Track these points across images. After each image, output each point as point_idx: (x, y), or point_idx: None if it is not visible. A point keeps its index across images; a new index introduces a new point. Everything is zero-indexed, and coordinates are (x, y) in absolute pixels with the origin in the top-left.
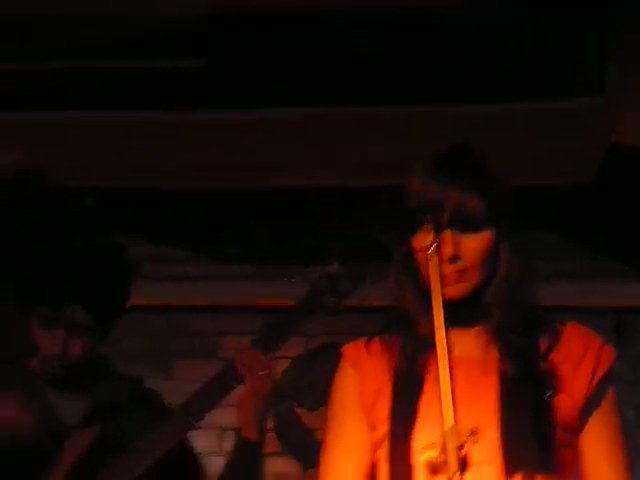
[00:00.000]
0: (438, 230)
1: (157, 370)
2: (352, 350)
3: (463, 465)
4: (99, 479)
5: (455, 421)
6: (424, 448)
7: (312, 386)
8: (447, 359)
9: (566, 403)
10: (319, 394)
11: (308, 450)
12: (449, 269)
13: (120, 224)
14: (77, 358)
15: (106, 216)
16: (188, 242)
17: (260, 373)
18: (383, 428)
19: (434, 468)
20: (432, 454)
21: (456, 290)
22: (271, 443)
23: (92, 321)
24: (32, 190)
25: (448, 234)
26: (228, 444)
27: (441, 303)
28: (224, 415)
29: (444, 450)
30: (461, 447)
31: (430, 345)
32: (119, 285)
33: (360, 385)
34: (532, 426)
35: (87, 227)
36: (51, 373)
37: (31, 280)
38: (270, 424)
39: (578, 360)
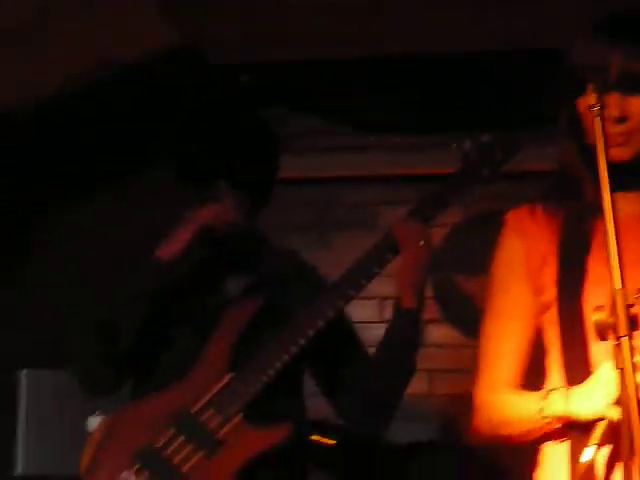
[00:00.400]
0: (604, 91)
1: (315, 242)
2: (515, 216)
3: (633, 326)
4: (261, 349)
5: (623, 282)
6: (593, 310)
7: (471, 253)
8: (613, 220)
9: None
10: (478, 261)
11: (467, 317)
12: (614, 130)
13: (277, 98)
14: (233, 232)
15: (262, 90)
16: (345, 113)
17: (418, 243)
18: (550, 293)
19: (603, 330)
20: (601, 316)
21: (621, 152)
22: (430, 311)
23: (243, 195)
24: (191, 68)
25: (614, 95)
26: (388, 313)
27: (606, 164)
28: (384, 285)
29: (613, 311)
30: (630, 307)
31: (595, 207)
32: (266, 159)
33: (525, 251)
34: None
35: (244, 103)
36: (210, 247)
37: (183, 157)
38: (429, 292)
39: None
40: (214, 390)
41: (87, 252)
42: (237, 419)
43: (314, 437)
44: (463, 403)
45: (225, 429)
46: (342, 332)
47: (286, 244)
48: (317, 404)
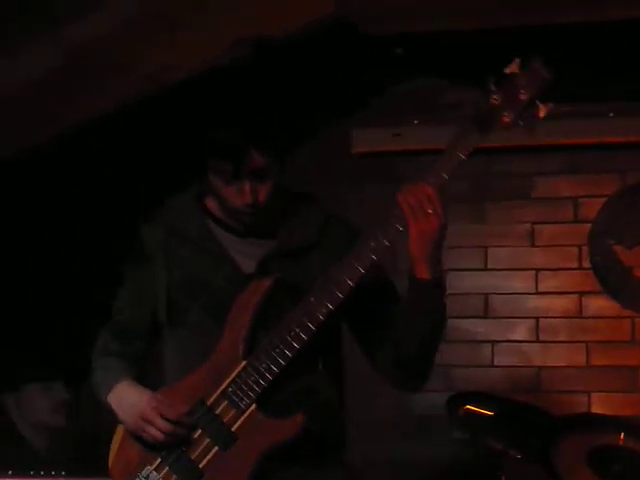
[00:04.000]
0: None
1: (471, 214)
2: None
3: None
4: (277, 331)
5: None
6: None
7: (630, 223)
8: None
9: None
10: (637, 231)
11: (626, 288)
12: None
13: (430, 68)
14: (266, 203)
15: (417, 61)
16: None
17: (426, 211)
18: None
19: None
20: None
21: None
22: (589, 283)
23: (270, 163)
24: (345, 41)
25: None
26: (544, 285)
27: None
28: (538, 256)
29: None
30: None
31: None
32: (286, 124)
33: None
34: None
35: (399, 73)
36: (242, 222)
37: (209, 136)
38: (587, 264)
39: None
40: (227, 380)
41: None
42: (250, 411)
43: (469, 407)
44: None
45: (239, 422)
46: (376, 290)
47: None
48: (470, 375)
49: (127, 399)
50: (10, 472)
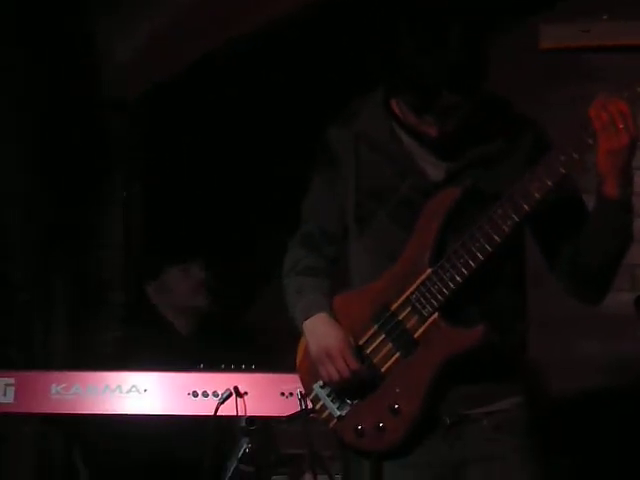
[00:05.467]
0: None
1: None
2: None
3: None
4: (463, 240)
5: None
6: None
7: None
8: None
9: None
10: None
11: None
12: None
13: None
14: (453, 132)
15: None
16: None
17: (617, 126)
18: None
19: None
20: None
21: None
22: None
23: (463, 100)
24: None
25: None
26: None
27: None
28: None
29: None
30: None
31: None
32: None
33: None
34: None
35: None
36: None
37: (401, 63)
38: None
39: None
40: (412, 287)
41: None
42: (433, 318)
43: None
44: None
45: (421, 329)
46: (562, 203)
47: None
48: None
49: (321, 332)
50: (201, 365)
